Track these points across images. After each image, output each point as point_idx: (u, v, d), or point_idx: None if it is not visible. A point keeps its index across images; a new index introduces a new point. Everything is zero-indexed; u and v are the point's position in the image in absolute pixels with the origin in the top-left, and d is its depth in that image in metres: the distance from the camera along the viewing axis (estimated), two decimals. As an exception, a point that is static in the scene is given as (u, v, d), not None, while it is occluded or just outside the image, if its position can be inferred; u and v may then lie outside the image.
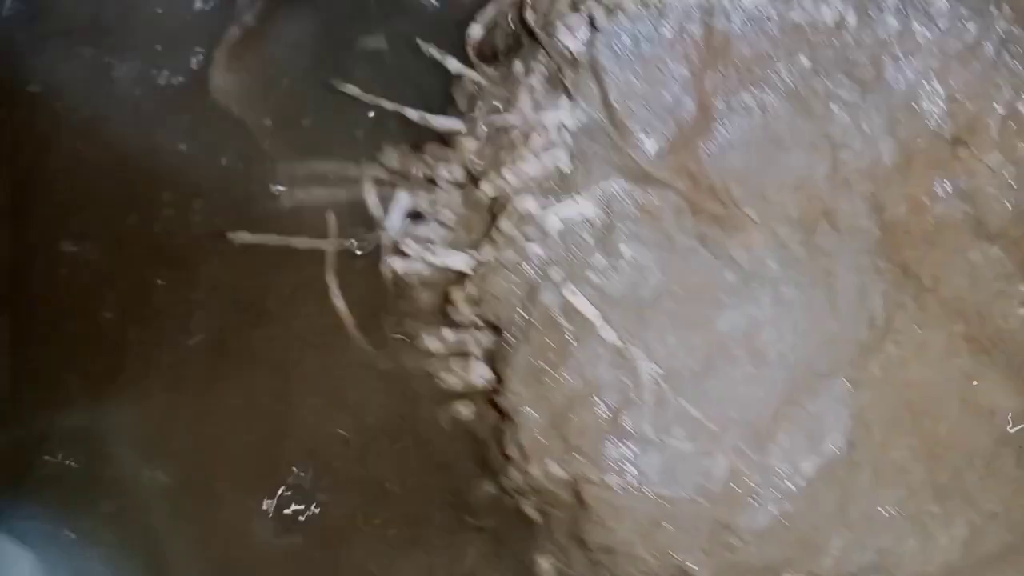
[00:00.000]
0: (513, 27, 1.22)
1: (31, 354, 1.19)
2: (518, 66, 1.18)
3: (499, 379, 1.05)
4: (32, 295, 1.20)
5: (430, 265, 1.15)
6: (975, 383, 0.98)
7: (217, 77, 1.25)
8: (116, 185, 1.24)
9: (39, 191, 1.24)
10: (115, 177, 1.24)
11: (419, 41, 1.22)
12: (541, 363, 1.00)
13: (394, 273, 1.17)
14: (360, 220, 1.21)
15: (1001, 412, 0.97)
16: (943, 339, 0.98)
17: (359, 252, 1.20)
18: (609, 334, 0.98)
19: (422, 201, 1.20)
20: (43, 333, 1.20)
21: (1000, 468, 0.96)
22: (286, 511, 1.15)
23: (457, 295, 1.09)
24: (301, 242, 1.19)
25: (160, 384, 1.18)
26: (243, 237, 1.19)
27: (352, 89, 1.23)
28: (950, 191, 1.01)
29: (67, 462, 1.16)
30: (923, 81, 1.02)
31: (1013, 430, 0.97)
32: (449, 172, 1.20)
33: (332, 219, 1.18)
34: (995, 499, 0.96)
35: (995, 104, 1.02)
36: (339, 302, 1.17)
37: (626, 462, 0.95)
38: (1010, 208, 1.01)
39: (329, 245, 1.17)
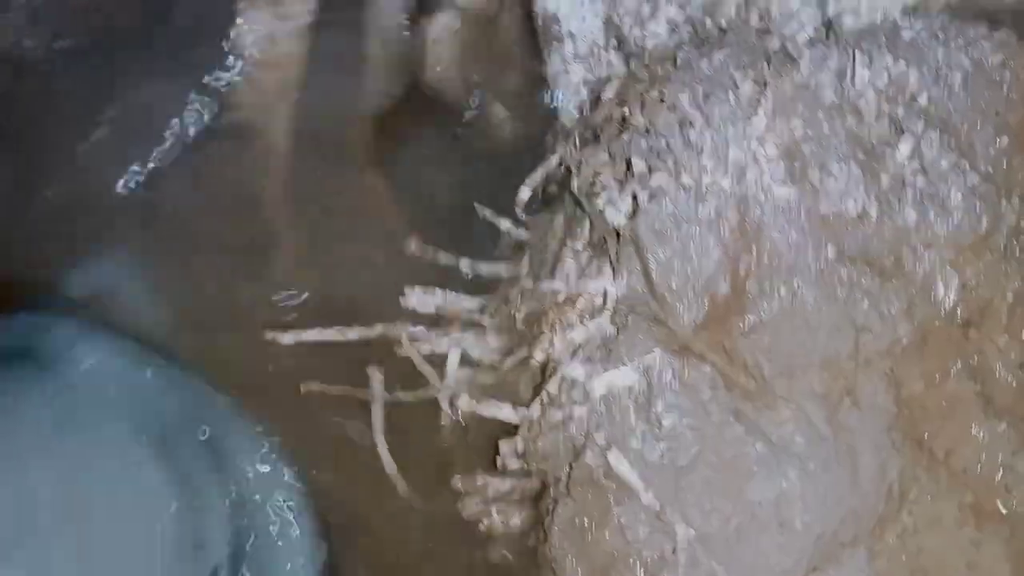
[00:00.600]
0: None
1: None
2: (558, 222, 1.29)
3: (542, 531, 1.15)
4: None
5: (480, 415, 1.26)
6: (981, 550, 1.07)
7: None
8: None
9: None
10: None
11: (476, 204, 1.33)
12: (583, 520, 1.09)
13: (446, 422, 1.27)
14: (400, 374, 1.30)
15: (1004, 578, 1.06)
16: (953, 509, 1.08)
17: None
18: (648, 498, 1.08)
19: (472, 348, 1.31)
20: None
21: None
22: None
23: (505, 448, 1.20)
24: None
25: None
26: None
27: (413, 246, 1.35)
28: (961, 370, 1.11)
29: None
30: (938, 269, 1.12)
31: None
32: (497, 320, 1.32)
33: (376, 376, 1.27)
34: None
35: (1005, 291, 1.12)
36: (386, 458, 1.27)
37: (662, 618, 1.04)
38: (1015, 386, 1.11)
39: (376, 401, 1.27)
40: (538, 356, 1.16)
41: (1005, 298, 1.12)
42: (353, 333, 1.30)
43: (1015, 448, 1.09)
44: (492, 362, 1.28)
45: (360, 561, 1.22)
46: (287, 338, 1.29)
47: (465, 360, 1.30)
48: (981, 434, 1.09)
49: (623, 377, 1.12)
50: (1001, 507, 1.08)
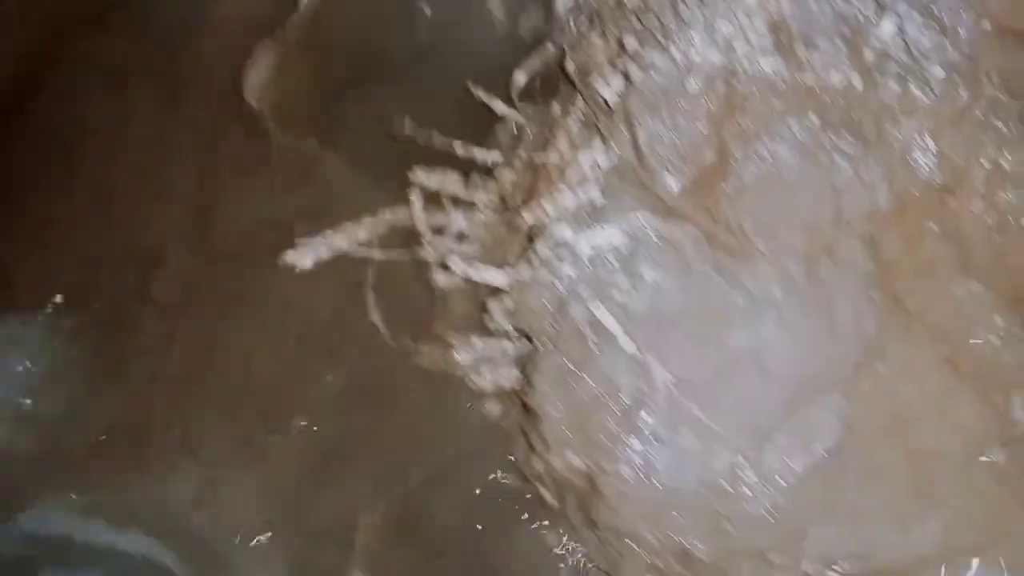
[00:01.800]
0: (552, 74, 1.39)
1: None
2: (555, 108, 1.35)
3: (527, 381, 1.20)
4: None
5: (470, 279, 1.31)
6: (952, 400, 1.10)
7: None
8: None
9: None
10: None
11: (469, 84, 1.39)
12: (567, 366, 1.14)
13: (437, 286, 1.33)
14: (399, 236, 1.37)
15: (973, 426, 1.09)
16: (927, 361, 1.11)
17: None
18: (629, 345, 1.12)
19: (464, 222, 1.37)
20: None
21: (972, 476, 1.09)
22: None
23: (494, 307, 1.25)
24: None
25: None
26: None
27: (407, 124, 1.41)
28: (939, 234, 1.15)
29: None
30: (917, 138, 1.16)
31: (982, 443, 1.09)
32: (487, 198, 1.37)
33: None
34: (966, 502, 1.08)
35: (981, 159, 1.15)
36: (375, 315, 1.33)
37: (637, 455, 1.09)
38: (991, 251, 1.14)
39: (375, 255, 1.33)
40: (528, 218, 1.21)
41: (982, 166, 1.15)
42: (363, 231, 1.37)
43: (988, 305, 1.12)
44: (483, 233, 1.33)
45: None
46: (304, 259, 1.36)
47: (458, 235, 1.36)
48: (958, 292, 1.12)
49: (609, 236, 1.17)
50: (974, 360, 1.11)
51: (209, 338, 1.35)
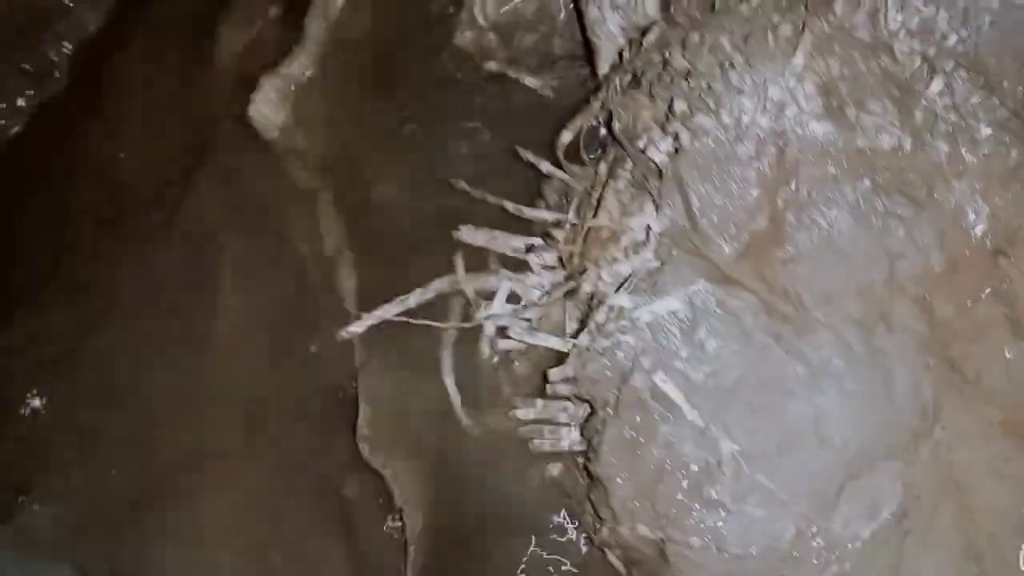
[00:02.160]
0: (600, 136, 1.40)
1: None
2: (603, 169, 1.36)
3: (592, 450, 1.22)
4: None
5: (530, 344, 1.33)
6: (1009, 462, 1.13)
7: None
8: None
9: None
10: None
11: (518, 148, 1.39)
12: (632, 437, 1.16)
13: (498, 351, 1.35)
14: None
15: (1031, 488, 1.12)
16: (983, 425, 1.14)
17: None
18: (693, 415, 1.14)
19: (518, 285, 1.38)
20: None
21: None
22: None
23: (555, 374, 1.27)
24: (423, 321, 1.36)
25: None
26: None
27: (462, 184, 1.41)
28: (991, 295, 1.17)
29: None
30: (969, 199, 1.17)
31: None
32: (541, 259, 1.39)
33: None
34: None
35: (1032, 219, 1.17)
36: (449, 380, 1.35)
37: (706, 525, 1.12)
38: (1042, 309, 1.17)
39: (450, 326, 1.35)
40: (586, 287, 1.23)
41: (1033, 227, 1.17)
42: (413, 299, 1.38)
43: (1043, 366, 1.14)
44: (536, 297, 1.34)
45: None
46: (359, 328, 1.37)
47: (511, 298, 1.37)
48: (1010, 355, 1.15)
49: (668, 305, 1.18)
50: (1027, 423, 1.14)
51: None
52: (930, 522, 1.12)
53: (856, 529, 1.11)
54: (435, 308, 1.38)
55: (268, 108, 1.55)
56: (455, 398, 1.34)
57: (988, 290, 1.17)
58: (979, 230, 1.17)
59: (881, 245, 1.16)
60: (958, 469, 1.14)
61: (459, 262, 1.38)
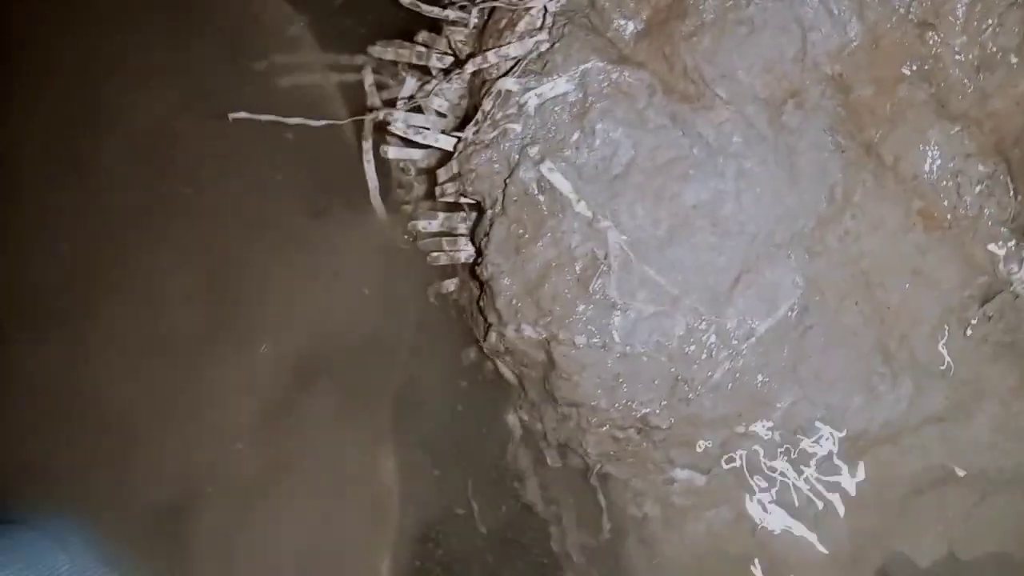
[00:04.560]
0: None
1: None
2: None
3: (479, 254, 1.12)
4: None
5: (421, 148, 1.22)
6: (927, 256, 1.03)
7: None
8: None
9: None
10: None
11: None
12: (518, 234, 1.06)
13: (387, 158, 1.24)
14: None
15: (950, 284, 1.02)
16: (899, 215, 1.03)
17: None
18: (581, 207, 1.04)
19: (417, 90, 1.27)
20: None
21: (946, 336, 1.02)
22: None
23: (442, 173, 1.16)
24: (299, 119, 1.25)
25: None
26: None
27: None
28: (915, 73, 1.05)
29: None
30: (892, -36, 1.05)
31: (958, 300, 1.02)
32: (440, 61, 1.27)
33: (369, 78, 1.27)
34: (939, 361, 1.01)
35: (964, -11, 1.04)
36: (369, 167, 1.25)
37: (592, 323, 1.02)
38: (972, 90, 1.05)
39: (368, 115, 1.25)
40: (469, 67, 1.11)
41: (965, -1, 1.04)
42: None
43: (968, 152, 1.03)
44: (438, 106, 1.23)
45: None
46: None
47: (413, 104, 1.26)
48: (933, 138, 1.03)
49: (558, 88, 1.07)
50: (950, 214, 1.03)
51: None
52: (834, 319, 1.03)
53: (751, 325, 1.01)
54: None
55: None
56: (373, 185, 1.24)
57: (912, 68, 1.05)
58: (904, 1, 1.05)
59: (793, 16, 1.04)
60: (869, 262, 1.03)
61: (367, 75, 1.27)
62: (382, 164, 1.29)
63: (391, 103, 1.30)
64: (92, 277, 1.29)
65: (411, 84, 1.28)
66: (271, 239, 1.28)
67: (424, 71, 1.30)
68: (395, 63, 1.31)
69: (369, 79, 1.27)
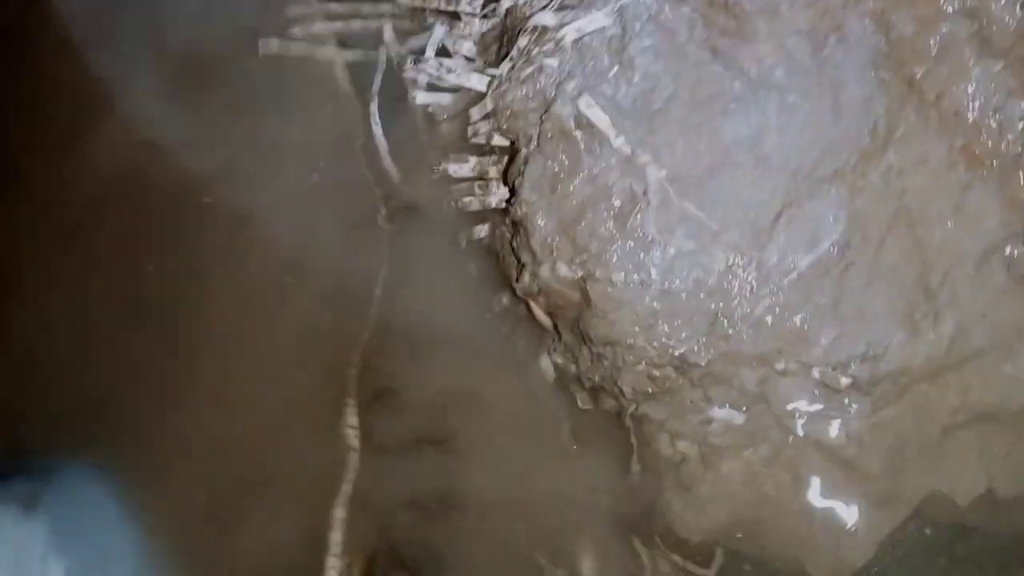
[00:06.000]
0: None
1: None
2: None
3: (512, 194, 1.10)
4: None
5: (452, 91, 1.20)
6: (969, 194, 1.01)
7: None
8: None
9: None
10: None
11: None
12: (554, 171, 1.05)
13: (421, 107, 1.22)
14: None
15: (992, 221, 1.01)
16: (942, 151, 1.02)
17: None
18: (619, 142, 1.03)
19: (447, 36, 1.25)
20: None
21: (988, 274, 1.01)
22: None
23: (475, 112, 1.14)
24: (329, 52, 1.23)
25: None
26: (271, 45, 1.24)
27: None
28: (958, 9, 1.04)
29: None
30: (936, -102, 1.03)
31: (1001, 238, 1.01)
32: (470, 4, 1.25)
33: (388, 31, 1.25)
34: (981, 301, 1.00)
35: (1008, -78, 1.03)
36: (378, 129, 1.23)
37: (630, 260, 1.01)
38: (1015, 26, 1.03)
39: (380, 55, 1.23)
40: (504, 2, 1.09)
41: (1009, -67, 1.03)
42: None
43: (1011, 89, 1.02)
44: (468, 51, 1.21)
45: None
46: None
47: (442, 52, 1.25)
48: (975, 75, 1.02)
49: (596, 21, 1.06)
50: (992, 151, 1.02)
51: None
52: (876, 256, 1.02)
53: (793, 260, 1.00)
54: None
55: None
56: (382, 145, 1.21)
57: (954, 5, 1.04)
58: (947, -66, 1.03)
59: (834, -52, 1.02)
60: (911, 198, 1.02)
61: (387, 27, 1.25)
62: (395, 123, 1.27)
63: (418, 52, 1.28)
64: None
65: (440, 30, 1.26)
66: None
67: (452, 16, 1.28)
68: (422, 9, 1.29)
69: (389, 29, 1.25)
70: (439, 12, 1.28)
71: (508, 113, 1.09)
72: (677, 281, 1.00)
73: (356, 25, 1.32)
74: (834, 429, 1.02)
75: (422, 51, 1.27)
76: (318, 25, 1.28)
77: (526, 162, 1.08)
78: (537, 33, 1.08)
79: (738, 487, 1.04)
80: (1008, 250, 1.02)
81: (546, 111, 1.07)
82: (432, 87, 1.24)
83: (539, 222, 1.06)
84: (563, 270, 1.05)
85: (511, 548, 1.14)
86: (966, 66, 1.03)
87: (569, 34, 1.06)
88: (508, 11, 1.13)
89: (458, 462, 1.16)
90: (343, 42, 1.30)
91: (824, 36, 1.02)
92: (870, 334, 1.00)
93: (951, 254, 1.02)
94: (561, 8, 1.07)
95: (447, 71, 1.18)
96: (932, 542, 1.04)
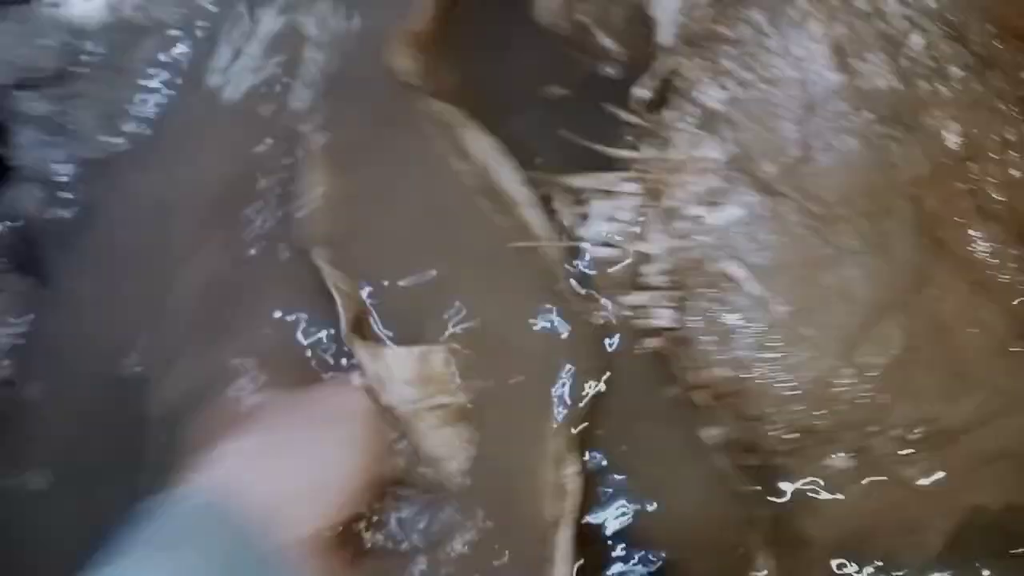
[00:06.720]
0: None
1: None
2: (669, 115, 1.80)
3: (679, 322, 1.67)
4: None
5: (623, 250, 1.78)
6: (982, 310, 1.59)
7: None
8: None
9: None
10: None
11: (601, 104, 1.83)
12: (709, 308, 1.62)
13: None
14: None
15: (999, 326, 1.58)
16: (962, 284, 1.60)
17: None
18: (754, 287, 1.60)
19: (608, 208, 1.83)
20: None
21: (1000, 361, 1.59)
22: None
23: (648, 269, 1.72)
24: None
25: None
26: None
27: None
28: (964, 190, 1.62)
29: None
30: (945, 123, 1.62)
31: (1007, 337, 1.58)
32: (627, 188, 1.83)
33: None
34: (997, 380, 1.58)
35: (996, 135, 1.62)
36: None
37: (767, 367, 1.58)
38: (1005, 200, 1.62)
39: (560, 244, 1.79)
40: (667, 202, 1.68)
41: (995, 140, 1.61)
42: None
43: (1003, 239, 1.60)
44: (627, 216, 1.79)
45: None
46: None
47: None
48: (978, 233, 1.60)
49: (733, 212, 1.64)
50: (998, 281, 1.59)
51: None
52: (926, 356, 1.58)
53: (874, 362, 1.57)
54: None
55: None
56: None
57: (962, 187, 1.62)
58: (953, 144, 1.61)
59: (881, 158, 1.61)
60: (945, 316, 1.59)
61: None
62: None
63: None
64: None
65: (601, 209, 1.83)
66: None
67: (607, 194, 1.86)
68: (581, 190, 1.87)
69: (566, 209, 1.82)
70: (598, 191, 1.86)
71: (675, 269, 1.67)
72: (799, 380, 1.57)
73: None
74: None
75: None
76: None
77: (687, 300, 1.66)
78: (691, 220, 1.66)
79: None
80: (1014, 345, 1.58)
81: (700, 268, 1.64)
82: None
83: (700, 340, 1.63)
84: (719, 372, 1.62)
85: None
86: (975, 227, 1.61)
87: (715, 220, 1.64)
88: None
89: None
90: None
91: (879, 215, 1.60)
92: (928, 406, 1.56)
93: (974, 349, 1.59)
94: (706, 204, 1.66)
95: (626, 237, 1.76)
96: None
